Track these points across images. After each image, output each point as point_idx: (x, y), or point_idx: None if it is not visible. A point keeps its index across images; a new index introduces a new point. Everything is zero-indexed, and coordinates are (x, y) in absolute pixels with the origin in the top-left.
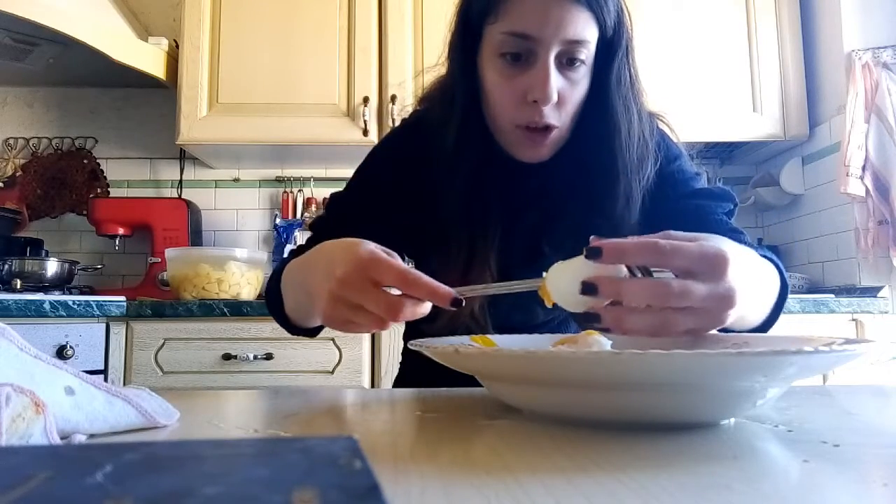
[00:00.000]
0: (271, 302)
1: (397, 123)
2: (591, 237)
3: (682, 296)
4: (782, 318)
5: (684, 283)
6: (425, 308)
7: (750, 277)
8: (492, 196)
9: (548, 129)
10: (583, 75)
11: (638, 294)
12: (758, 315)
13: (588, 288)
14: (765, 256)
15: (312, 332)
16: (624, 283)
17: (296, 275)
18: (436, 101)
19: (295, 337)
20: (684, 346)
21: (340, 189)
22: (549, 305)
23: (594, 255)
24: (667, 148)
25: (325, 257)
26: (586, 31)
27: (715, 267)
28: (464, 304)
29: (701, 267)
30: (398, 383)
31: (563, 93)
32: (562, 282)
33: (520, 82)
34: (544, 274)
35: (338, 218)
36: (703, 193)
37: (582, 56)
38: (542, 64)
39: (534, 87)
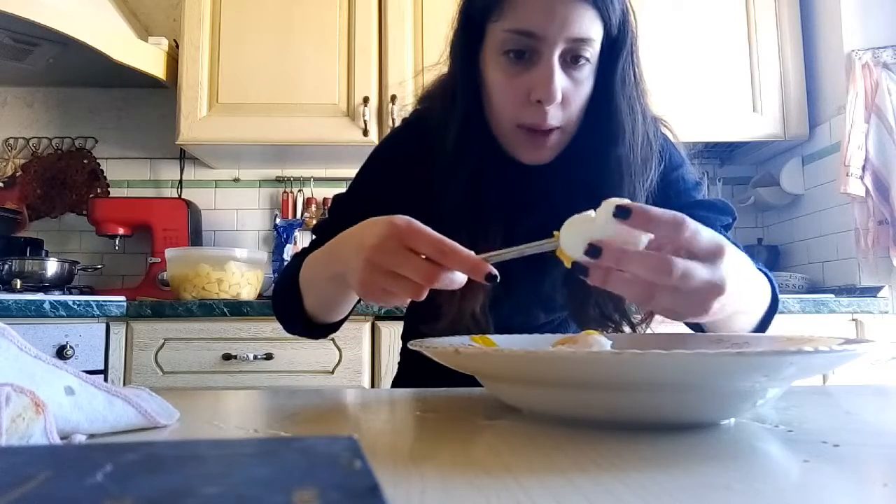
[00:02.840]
0: (283, 306)
1: (397, 123)
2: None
3: (684, 278)
4: (783, 317)
5: (687, 265)
6: (461, 278)
7: (741, 278)
8: (493, 198)
9: (550, 130)
10: (587, 75)
11: (639, 266)
12: (745, 323)
13: (592, 251)
14: (760, 271)
15: (330, 329)
16: (628, 253)
17: (320, 264)
18: (436, 101)
19: (296, 337)
20: (684, 347)
21: (341, 189)
22: (567, 266)
23: (623, 214)
24: (670, 154)
25: (356, 234)
26: (591, 29)
27: (712, 254)
28: (498, 279)
29: (701, 252)
30: (396, 383)
31: (567, 92)
32: (574, 236)
33: (523, 81)
34: (555, 233)
35: (341, 219)
36: (703, 205)
37: (587, 55)
38: (546, 62)
39: (537, 86)
